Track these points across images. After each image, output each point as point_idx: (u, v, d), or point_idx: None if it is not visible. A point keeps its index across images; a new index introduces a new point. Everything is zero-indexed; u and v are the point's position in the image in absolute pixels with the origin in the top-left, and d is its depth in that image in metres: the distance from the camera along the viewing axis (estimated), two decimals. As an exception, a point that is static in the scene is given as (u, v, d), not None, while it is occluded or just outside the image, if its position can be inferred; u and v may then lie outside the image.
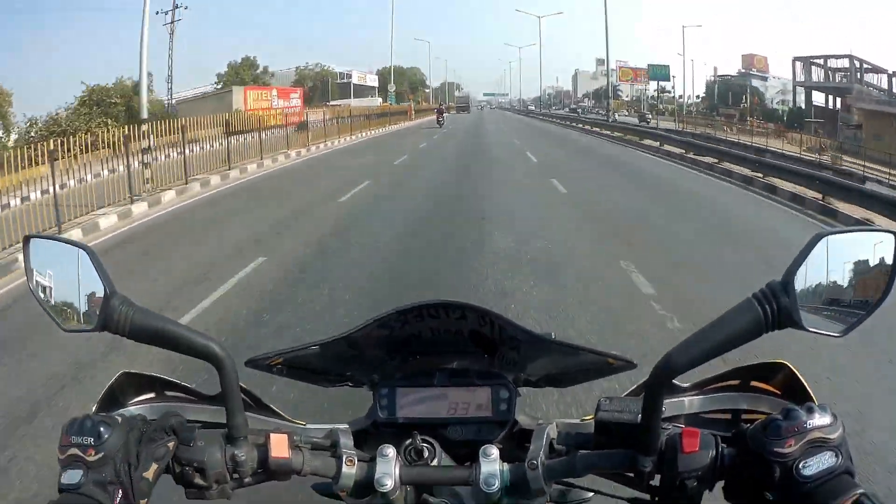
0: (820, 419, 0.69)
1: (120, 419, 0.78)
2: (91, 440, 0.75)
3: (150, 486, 0.77)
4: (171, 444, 0.79)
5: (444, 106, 51.10)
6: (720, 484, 0.77)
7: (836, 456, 0.68)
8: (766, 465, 0.70)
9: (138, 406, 0.93)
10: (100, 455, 0.74)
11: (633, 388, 0.87)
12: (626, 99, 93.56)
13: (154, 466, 0.77)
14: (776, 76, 66.06)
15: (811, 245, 0.72)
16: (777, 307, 0.70)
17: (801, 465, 0.68)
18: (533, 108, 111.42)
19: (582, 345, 0.88)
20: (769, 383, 0.88)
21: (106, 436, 0.75)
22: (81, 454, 0.75)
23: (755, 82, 68.91)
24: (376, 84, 75.33)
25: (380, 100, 63.11)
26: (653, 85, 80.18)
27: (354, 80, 70.23)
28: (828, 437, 0.69)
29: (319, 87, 67.97)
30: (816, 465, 0.67)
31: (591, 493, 0.97)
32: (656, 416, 0.75)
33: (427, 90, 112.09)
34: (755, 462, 0.71)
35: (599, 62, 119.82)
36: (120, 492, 0.74)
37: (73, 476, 0.73)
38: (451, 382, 0.94)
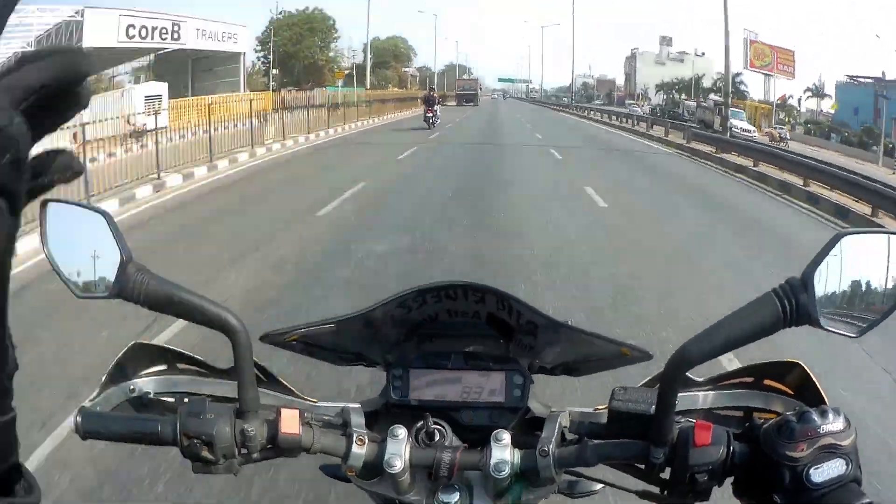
0: (833, 424, 0.70)
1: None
2: None
3: None
4: None
5: (435, 94, 29.22)
6: (729, 480, 0.77)
7: (847, 464, 0.68)
8: (776, 467, 0.70)
9: (148, 378, 0.93)
10: None
11: (647, 379, 0.87)
12: (751, 99, 56.59)
13: None
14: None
15: (831, 244, 0.71)
16: (796, 303, 0.70)
17: (811, 472, 0.68)
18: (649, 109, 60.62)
19: (598, 333, 0.87)
20: (782, 382, 0.88)
21: None
22: None
23: None
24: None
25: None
26: (799, 82, 51.67)
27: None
28: (840, 443, 0.69)
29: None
30: (827, 472, 0.68)
31: (601, 485, 0.97)
32: (670, 408, 0.75)
33: (408, 69, 78.30)
34: (766, 463, 0.71)
35: (664, 41, 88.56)
36: None
37: None
38: (465, 366, 0.94)
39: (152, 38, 28.76)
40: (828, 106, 51.21)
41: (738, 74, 55.05)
